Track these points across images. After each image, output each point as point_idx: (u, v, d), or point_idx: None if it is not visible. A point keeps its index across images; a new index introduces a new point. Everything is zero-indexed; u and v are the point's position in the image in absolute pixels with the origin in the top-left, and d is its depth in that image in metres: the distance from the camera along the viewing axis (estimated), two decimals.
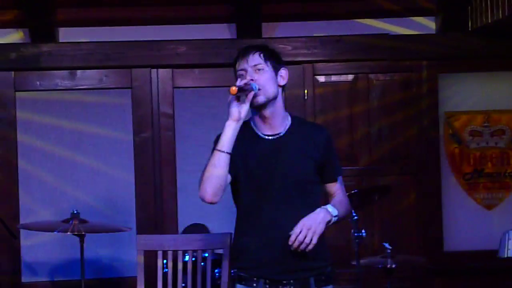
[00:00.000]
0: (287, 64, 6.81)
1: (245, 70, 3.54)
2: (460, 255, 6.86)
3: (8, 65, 6.56)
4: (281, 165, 3.53)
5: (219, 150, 3.45)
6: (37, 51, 6.57)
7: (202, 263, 4.75)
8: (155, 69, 6.71)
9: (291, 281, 3.54)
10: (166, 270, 4.78)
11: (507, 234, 5.77)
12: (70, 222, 5.15)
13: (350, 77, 6.87)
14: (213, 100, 6.72)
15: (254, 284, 3.55)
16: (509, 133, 6.99)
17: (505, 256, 5.91)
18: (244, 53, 3.56)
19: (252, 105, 3.52)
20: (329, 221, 3.50)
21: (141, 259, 4.72)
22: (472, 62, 6.90)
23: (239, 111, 3.48)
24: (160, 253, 4.74)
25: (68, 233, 5.08)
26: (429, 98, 6.85)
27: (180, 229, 6.42)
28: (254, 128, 3.61)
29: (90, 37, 6.67)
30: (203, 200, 3.50)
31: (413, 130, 6.83)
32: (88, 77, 6.69)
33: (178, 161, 6.64)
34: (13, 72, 6.60)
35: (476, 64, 6.91)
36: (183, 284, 4.74)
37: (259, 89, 3.50)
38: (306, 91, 6.79)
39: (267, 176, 3.53)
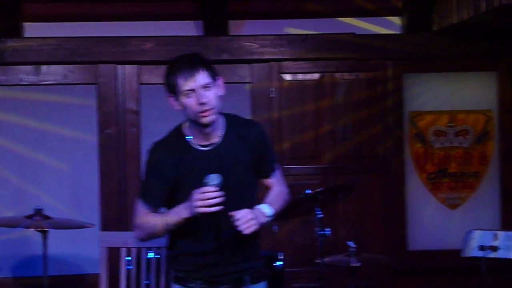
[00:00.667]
0: (253, 62, 6.89)
1: (193, 90, 3.45)
2: (423, 254, 6.90)
3: None
4: (224, 175, 3.47)
5: (166, 224, 3.49)
6: (2, 46, 6.51)
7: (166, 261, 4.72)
8: (121, 65, 6.68)
9: (227, 279, 3.56)
10: (130, 267, 4.75)
11: (470, 234, 5.79)
12: (33, 218, 5.11)
13: (316, 75, 6.88)
14: None
15: (192, 285, 3.56)
16: (473, 134, 7.04)
17: (468, 255, 5.93)
18: (190, 71, 3.46)
19: (200, 123, 3.48)
20: (265, 222, 3.52)
21: (104, 255, 4.69)
22: (438, 62, 6.94)
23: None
24: (123, 250, 4.72)
25: (31, 229, 5.04)
26: (394, 97, 6.88)
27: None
28: (189, 139, 3.54)
29: (55, 33, 6.62)
30: (138, 238, 3.63)
31: (378, 129, 6.86)
32: (53, 72, 6.64)
33: (143, 158, 6.59)
34: None
35: (441, 64, 6.95)
36: (147, 282, 4.72)
37: (211, 110, 3.45)
38: (272, 89, 6.79)
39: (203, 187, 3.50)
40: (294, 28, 6.86)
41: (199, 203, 3.36)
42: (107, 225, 6.41)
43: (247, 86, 6.79)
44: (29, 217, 5.15)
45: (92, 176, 6.60)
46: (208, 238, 3.52)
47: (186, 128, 3.57)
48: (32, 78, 6.61)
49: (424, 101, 7.03)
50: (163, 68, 6.59)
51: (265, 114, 6.77)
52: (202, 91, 3.45)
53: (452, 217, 6.98)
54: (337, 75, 6.87)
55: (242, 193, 3.54)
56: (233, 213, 3.39)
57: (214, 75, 3.52)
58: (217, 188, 3.36)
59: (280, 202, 3.64)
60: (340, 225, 6.71)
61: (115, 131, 6.62)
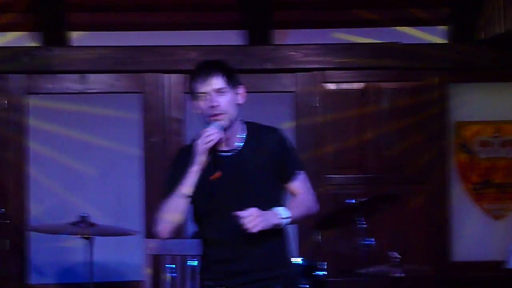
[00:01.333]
0: (298, 71, 6.89)
1: (208, 93, 3.50)
2: (467, 265, 6.84)
3: (20, 68, 6.58)
4: (241, 180, 3.53)
5: (182, 194, 3.48)
6: (49, 54, 6.59)
7: None
8: (167, 74, 6.72)
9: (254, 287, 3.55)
10: (174, 275, 4.78)
11: None
12: (78, 225, 5.16)
13: (360, 84, 6.86)
14: None
15: None
16: None
17: None
18: (205, 75, 3.51)
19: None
20: (278, 224, 3.47)
21: (148, 263, 4.72)
22: (483, 72, 6.88)
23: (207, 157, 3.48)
24: (167, 258, 4.74)
25: (76, 236, 5.09)
26: (439, 107, 6.84)
27: (189, 234, 6.42)
28: None
29: (102, 42, 6.68)
30: (158, 236, 3.59)
31: (423, 139, 6.82)
32: (99, 81, 6.70)
33: None
34: (25, 75, 6.62)
35: (487, 74, 6.90)
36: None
37: (221, 115, 3.48)
38: (316, 98, 6.79)
39: (228, 192, 3.53)
40: (338, 36, 6.84)
41: (201, 142, 3.42)
42: (151, 233, 6.43)
43: (292, 95, 6.79)
44: (74, 224, 5.20)
45: (137, 182, 6.64)
46: (232, 245, 3.52)
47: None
48: (78, 87, 6.68)
49: (470, 111, 6.98)
50: None
51: (308, 123, 6.76)
52: (215, 95, 3.49)
53: (496, 228, 6.92)
54: (382, 84, 6.85)
55: (263, 198, 3.53)
56: (239, 212, 3.39)
57: (232, 82, 3.55)
58: (218, 130, 3.43)
59: (301, 208, 3.59)
60: (383, 235, 6.67)
61: (160, 140, 6.67)
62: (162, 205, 3.56)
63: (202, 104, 3.51)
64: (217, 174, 3.45)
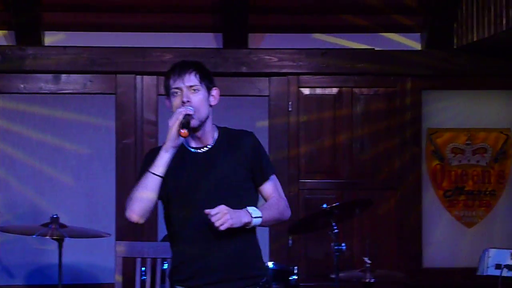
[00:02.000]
0: (272, 75, 6.88)
1: (180, 89, 3.51)
2: (439, 271, 6.86)
3: None
4: (213, 176, 3.52)
5: (154, 173, 3.45)
6: (22, 54, 6.54)
7: None
8: (140, 76, 6.69)
9: None
10: (144, 277, 4.75)
11: (486, 252, 5.76)
12: (49, 226, 5.11)
13: (334, 90, 6.87)
14: None
15: None
16: (491, 152, 7.01)
17: (484, 274, 5.89)
18: (180, 71, 3.53)
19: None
20: (248, 222, 3.44)
21: (119, 265, 4.68)
22: (456, 79, 6.92)
23: (179, 137, 3.47)
24: (138, 260, 4.71)
25: (47, 237, 5.04)
26: (412, 114, 6.87)
27: (160, 237, 6.39)
28: (184, 143, 3.56)
29: (76, 42, 6.64)
30: (129, 220, 3.51)
31: (396, 145, 6.84)
32: (72, 81, 6.66)
33: None
34: None
35: (460, 81, 6.93)
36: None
37: (194, 112, 3.49)
38: (290, 102, 6.78)
39: (199, 188, 3.52)
40: (313, 41, 6.85)
41: (171, 120, 3.42)
42: (122, 235, 6.40)
43: (265, 99, 6.79)
44: (45, 225, 5.15)
45: (109, 184, 6.61)
46: (202, 242, 3.49)
47: None
48: (51, 87, 6.63)
49: (442, 118, 7.01)
50: None
51: (282, 127, 6.76)
52: (188, 91, 3.51)
53: (468, 235, 6.95)
54: (356, 90, 6.86)
55: (234, 196, 3.51)
56: (208, 210, 3.36)
57: (206, 81, 3.56)
58: (186, 109, 3.43)
59: (273, 211, 3.56)
60: (355, 240, 6.69)
61: (133, 141, 6.63)
62: (134, 188, 3.51)
63: (174, 100, 3.52)
64: (185, 132, 3.41)
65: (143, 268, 4.80)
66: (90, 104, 6.69)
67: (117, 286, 4.68)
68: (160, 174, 3.45)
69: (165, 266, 4.78)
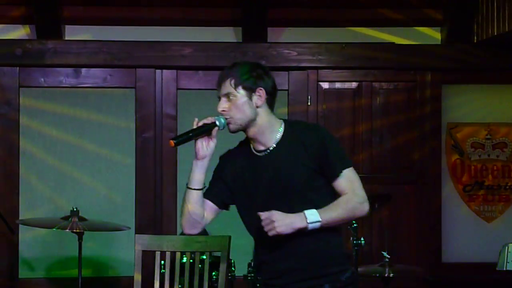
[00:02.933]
0: (291, 69, 6.86)
1: (219, 97, 3.56)
2: (458, 266, 6.83)
3: (13, 61, 6.54)
4: (278, 179, 3.51)
5: (189, 187, 3.55)
6: (43, 48, 6.56)
7: (199, 265, 4.72)
8: (160, 70, 6.70)
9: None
10: (164, 271, 4.76)
11: (506, 247, 5.72)
12: (69, 219, 5.13)
13: (354, 84, 6.85)
14: (217, 102, 6.68)
15: None
16: (511, 147, 6.97)
17: (504, 269, 5.86)
18: (219, 79, 3.58)
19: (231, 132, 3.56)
20: (303, 228, 3.42)
21: (139, 258, 4.69)
22: (476, 74, 6.89)
23: (205, 148, 3.51)
24: (158, 254, 4.72)
25: (67, 230, 5.06)
26: (432, 108, 6.84)
27: (179, 230, 6.39)
28: (250, 145, 3.60)
29: (96, 36, 6.66)
30: (184, 232, 3.65)
31: (415, 139, 6.82)
32: (92, 75, 6.67)
33: (179, 163, 6.62)
34: (18, 68, 6.59)
35: (480, 76, 6.90)
36: (180, 286, 4.71)
37: (227, 119, 3.51)
38: (309, 97, 6.77)
39: (260, 193, 3.52)
40: (333, 35, 6.83)
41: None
42: (142, 228, 6.42)
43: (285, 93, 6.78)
44: (65, 218, 5.17)
45: (129, 178, 6.62)
46: (276, 244, 3.49)
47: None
48: (71, 81, 6.65)
49: (462, 113, 6.98)
50: (201, 74, 6.78)
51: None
52: (224, 99, 3.54)
53: (487, 230, 6.92)
54: (375, 84, 6.84)
55: (306, 196, 3.49)
56: (260, 213, 3.39)
57: (246, 85, 3.55)
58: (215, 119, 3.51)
59: (339, 211, 3.48)
60: (374, 235, 6.68)
61: (153, 135, 6.64)
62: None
63: (218, 106, 3.57)
64: (170, 142, 3.51)
65: (162, 262, 4.81)
66: (110, 98, 6.71)
67: (137, 279, 4.69)
68: (195, 187, 3.53)
69: (184, 259, 4.79)
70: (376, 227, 6.71)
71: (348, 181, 3.54)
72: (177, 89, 6.70)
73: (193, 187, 3.54)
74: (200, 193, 3.55)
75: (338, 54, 6.75)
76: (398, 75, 6.84)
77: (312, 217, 3.43)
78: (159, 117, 6.68)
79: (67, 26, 6.68)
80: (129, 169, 6.63)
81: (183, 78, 6.73)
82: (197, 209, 3.56)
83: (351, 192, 3.53)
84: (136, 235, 4.92)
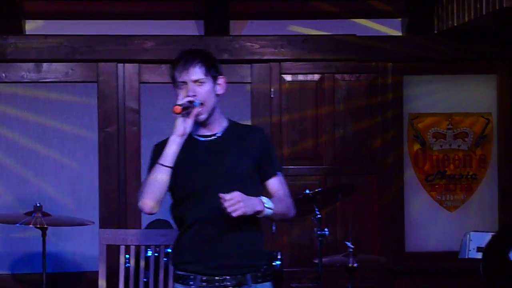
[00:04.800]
0: (254, 62, 6.87)
1: (186, 82, 3.54)
2: (421, 255, 6.90)
3: None
4: (220, 163, 3.56)
5: (163, 165, 3.50)
6: (3, 43, 6.51)
7: (164, 259, 4.73)
8: (122, 64, 6.68)
9: (227, 277, 3.55)
10: (128, 265, 4.76)
11: (468, 236, 5.82)
12: (33, 215, 5.12)
13: (316, 76, 6.88)
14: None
15: (191, 282, 3.57)
16: (472, 136, 7.04)
17: (466, 257, 5.96)
18: (185, 64, 3.55)
19: (195, 121, 3.55)
20: (260, 211, 3.48)
21: (103, 253, 4.69)
22: (438, 64, 6.94)
23: (184, 126, 3.51)
24: (122, 248, 4.72)
25: (31, 225, 5.04)
26: (393, 99, 6.88)
27: (144, 224, 6.40)
28: (192, 132, 3.60)
29: (57, 30, 6.62)
30: (141, 211, 3.56)
31: (377, 131, 6.86)
32: (54, 70, 6.64)
33: (143, 157, 6.61)
34: None
35: (441, 67, 6.95)
36: (145, 279, 4.72)
37: (201, 104, 3.53)
38: (272, 89, 6.79)
39: (206, 175, 3.55)
40: (295, 28, 6.85)
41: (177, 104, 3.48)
42: (106, 223, 6.41)
43: (248, 86, 6.79)
44: (29, 214, 5.16)
45: (92, 172, 6.60)
46: (209, 226, 3.53)
47: None
48: (33, 76, 6.61)
49: (424, 103, 7.03)
50: (163, 67, 6.76)
51: (265, 114, 6.77)
52: (193, 85, 3.53)
53: (450, 219, 6.99)
54: (338, 76, 6.87)
55: (245, 183, 3.54)
56: (222, 194, 3.40)
57: (211, 72, 3.58)
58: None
59: (281, 205, 3.60)
60: (338, 225, 6.72)
61: (115, 129, 6.62)
62: (145, 180, 3.57)
63: (181, 93, 3.54)
64: (177, 108, 3.46)
65: (127, 256, 4.81)
66: (71, 93, 6.67)
67: (102, 274, 4.69)
68: (170, 165, 3.50)
69: (149, 253, 4.79)
70: (339, 218, 6.75)
71: (281, 183, 3.68)
72: (140, 82, 6.69)
73: (166, 164, 3.49)
74: (171, 171, 3.50)
75: (300, 47, 6.77)
76: (360, 67, 6.88)
77: (268, 203, 3.51)
78: (121, 111, 6.66)
79: (27, 21, 6.63)
80: (93, 163, 6.61)
81: (146, 72, 6.71)
82: (166, 187, 3.53)
83: (285, 194, 3.66)
84: (100, 229, 4.93)
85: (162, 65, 6.70)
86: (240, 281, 3.56)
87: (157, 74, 6.73)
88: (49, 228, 5.11)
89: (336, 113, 6.85)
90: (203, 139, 3.61)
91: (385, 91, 6.88)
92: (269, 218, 3.59)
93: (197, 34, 6.74)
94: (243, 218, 3.45)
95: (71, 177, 6.62)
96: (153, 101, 6.69)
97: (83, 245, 6.50)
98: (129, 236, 4.80)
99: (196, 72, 3.54)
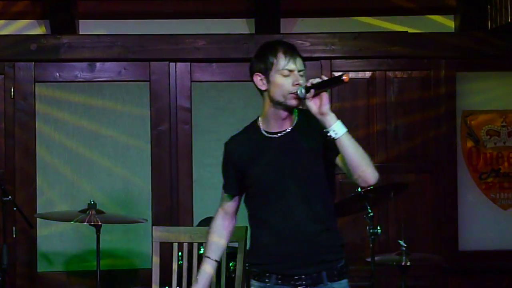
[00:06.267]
0: (305, 60, 6.84)
1: (293, 71, 3.55)
2: (475, 254, 6.84)
3: (28, 56, 6.59)
4: (291, 161, 3.55)
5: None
6: (57, 43, 6.60)
7: None
8: (174, 63, 6.73)
9: (303, 276, 3.54)
10: (181, 262, 4.80)
11: None
12: (87, 212, 5.18)
13: (368, 73, 6.86)
14: (231, 94, 6.74)
15: (267, 280, 3.58)
16: None
17: None
18: (293, 53, 3.57)
19: (286, 105, 3.54)
20: (333, 124, 3.47)
21: (156, 250, 4.74)
22: (491, 61, 6.87)
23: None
24: (175, 245, 4.76)
25: (85, 223, 5.11)
26: (446, 97, 6.83)
27: (196, 222, 6.44)
28: (260, 127, 3.62)
29: (109, 30, 6.70)
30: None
31: (430, 128, 6.82)
32: (107, 69, 6.71)
33: (195, 155, 6.66)
34: (33, 63, 6.63)
35: (494, 63, 6.88)
36: (198, 277, 4.75)
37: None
38: None
39: (277, 174, 3.55)
40: (346, 25, 6.84)
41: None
42: (158, 221, 6.45)
43: None
44: (83, 211, 5.22)
45: (145, 170, 6.65)
46: (280, 227, 3.53)
47: (260, 119, 3.65)
48: (86, 75, 6.69)
49: (477, 101, 6.97)
50: (215, 66, 6.81)
51: None
52: (297, 74, 3.55)
53: (504, 218, 6.92)
54: (390, 73, 6.85)
55: (315, 181, 3.54)
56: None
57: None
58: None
59: (360, 149, 3.53)
60: (391, 224, 6.69)
61: (167, 128, 6.68)
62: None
63: (285, 80, 3.53)
64: (346, 77, 3.46)
65: (179, 253, 4.84)
66: (124, 91, 6.75)
67: (155, 271, 4.73)
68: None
69: (201, 250, 4.82)
70: (392, 216, 6.72)
71: None
72: (191, 81, 6.73)
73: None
74: None
75: (351, 44, 6.76)
76: (412, 64, 6.84)
77: (342, 124, 3.48)
78: (173, 110, 6.71)
79: (81, 21, 6.72)
80: (145, 161, 6.67)
81: (197, 71, 6.76)
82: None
83: None
84: (153, 227, 4.97)
85: (213, 64, 6.75)
86: (316, 279, 3.53)
87: (208, 72, 6.77)
88: (103, 225, 5.17)
89: (387, 111, 6.82)
90: (272, 136, 3.60)
91: (438, 88, 6.83)
92: (343, 152, 3.46)
93: (248, 32, 6.76)
94: (315, 215, 3.48)
95: (124, 175, 6.68)
96: (204, 100, 6.73)
97: (136, 243, 6.56)
98: (182, 233, 4.83)
99: (301, 63, 3.58)
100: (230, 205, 3.79)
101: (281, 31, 6.74)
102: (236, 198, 3.75)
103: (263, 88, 3.58)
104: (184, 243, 4.76)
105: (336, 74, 3.52)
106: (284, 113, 3.57)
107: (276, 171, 3.55)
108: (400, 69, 6.85)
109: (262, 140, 3.60)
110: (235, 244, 4.79)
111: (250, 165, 3.59)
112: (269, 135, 3.61)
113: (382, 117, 6.83)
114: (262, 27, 6.72)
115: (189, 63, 6.74)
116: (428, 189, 6.80)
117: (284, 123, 3.60)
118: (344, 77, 3.44)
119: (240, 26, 6.80)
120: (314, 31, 6.77)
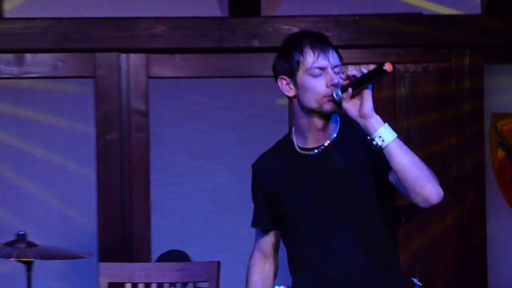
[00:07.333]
0: None
1: (325, 68, 3.52)
2: None
3: None
4: (332, 184, 3.53)
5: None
6: None
7: None
8: (125, 54, 6.76)
9: None
10: None
11: None
12: (15, 245, 5.18)
13: (372, 67, 6.89)
14: (199, 94, 6.76)
15: None
16: None
17: None
18: (322, 47, 3.55)
19: (322, 112, 3.53)
20: (378, 126, 3.47)
21: None
22: None
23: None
24: (128, 286, 4.77)
25: (12, 259, 5.10)
26: (472, 96, 6.89)
27: (154, 256, 6.45)
28: (294, 142, 3.62)
29: (43, 13, 6.71)
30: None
31: (452, 136, 6.87)
32: (40, 62, 6.72)
33: (153, 171, 6.68)
34: None
35: None
36: None
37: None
38: None
39: (315, 201, 3.54)
40: (343, 7, 6.89)
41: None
42: (106, 255, 6.46)
43: None
44: (10, 244, 5.21)
45: (89, 191, 6.67)
46: (323, 269, 3.53)
47: (293, 132, 3.65)
48: (14, 70, 6.70)
49: (510, 101, 7.03)
50: (177, 58, 6.81)
51: None
52: (332, 71, 3.52)
53: None
54: (399, 66, 6.89)
55: (358, 208, 3.53)
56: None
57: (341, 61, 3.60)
58: None
59: (416, 158, 3.52)
60: (403, 256, 6.71)
61: (118, 137, 6.69)
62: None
63: (315, 81, 3.52)
64: (389, 66, 3.48)
65: None
66: (62, 91, 6.75)
67: None
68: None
69: None
70: (404, 247, 6.75)
71: None
72: (148, 77, 6.75)
73: None
74: None
75: (350, 30, 6.80)
76: (428, 55, 6.90)
77: (392, 133, 3.47)
78: (125, 114, 6.72)
79: (6, 1, 6.73)
80: (89, 180, 6.68)
81: (155, 64, 6.78)
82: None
83: None
84: (99, 263, 4.98)
85: (176, 55, 6.77)
86: None
87: (170, 66, 6.79)
88: (36, 261, 5.17)
89: (397, 114, 6.86)
90: (309, 152, 3.58)
91: (461, 84, 6.87)
92: (394, 166, 3.44)
93: (220, 15, 6.79)
94: (366, 246, 3.49)
95: (62, 197, 6.69)
96: (164, 100, 6.75)
97: (78, 283, 6.56)
98: (137, 271, 4.84)
99: (335, 58, 3.55)
100: (266, 243, 3.76)
101: (262, 14, 6.78)
102: (272, 233, 3.73)
103: (291, 94, 3.57)
104: (140, 284, 4.78)
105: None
106: (320, 123, 3.54)
107: (314, 197, 3.54)
108: (413, 61, 6.89)
109: (296, 158, 3.59)
110: (205, 284, 4.81)
111: (282, 190, 3.58)
112: (304, 152, 3.59)
113: (390, 122, 6.83)
114: (237, 9, 6.75)
115: (145, 55, 6.76)
116: (449, 213, 6.84)
117: (322, 135, 3.58)
118: (386, 67, 3.45)
119: (210, 7, 6.83)
120: (303, 14, 6.81)
